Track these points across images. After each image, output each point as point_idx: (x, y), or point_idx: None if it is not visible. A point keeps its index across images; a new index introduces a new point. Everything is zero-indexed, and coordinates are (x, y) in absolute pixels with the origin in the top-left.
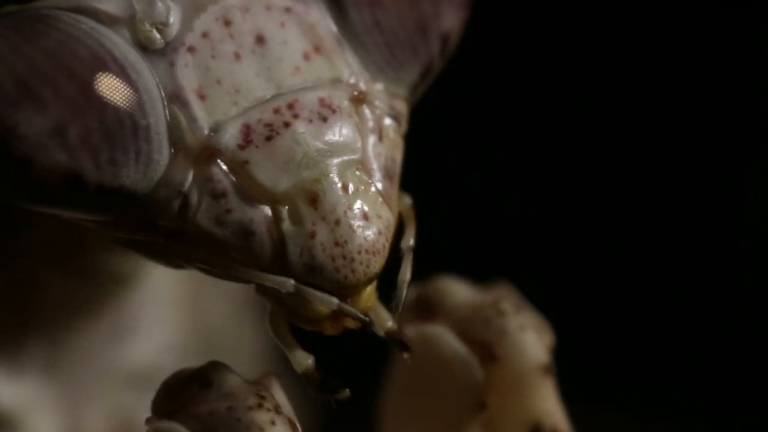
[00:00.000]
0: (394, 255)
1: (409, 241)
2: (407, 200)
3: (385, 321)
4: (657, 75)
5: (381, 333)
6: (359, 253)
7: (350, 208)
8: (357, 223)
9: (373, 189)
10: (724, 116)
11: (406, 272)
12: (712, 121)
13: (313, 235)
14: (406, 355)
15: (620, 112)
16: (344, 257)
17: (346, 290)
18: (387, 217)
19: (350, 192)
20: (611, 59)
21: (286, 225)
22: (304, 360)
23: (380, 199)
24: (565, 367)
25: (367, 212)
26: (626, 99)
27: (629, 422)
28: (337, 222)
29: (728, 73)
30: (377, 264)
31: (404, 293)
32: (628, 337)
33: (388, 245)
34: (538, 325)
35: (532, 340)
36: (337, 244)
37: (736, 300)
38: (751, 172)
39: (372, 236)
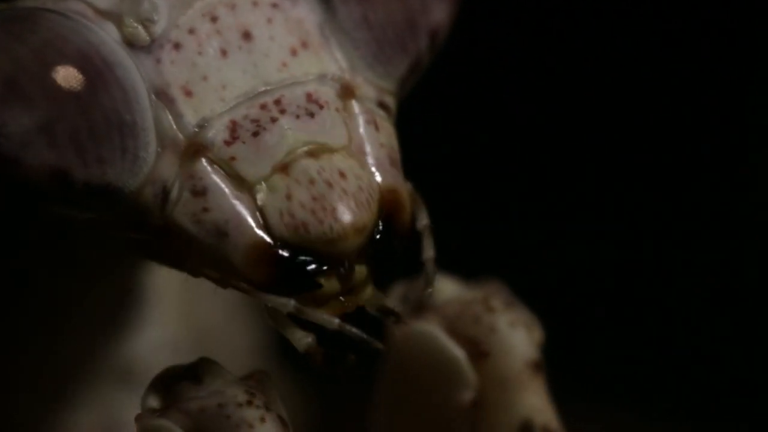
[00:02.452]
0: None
1: (423, 220)
2: (408, 186)
3: (378, 300)
4: (654, 74)
5: (372, 310)
6: (340, 201)
7: (323, 169)
8: (332, 178)
9: (346, 156)
10: (720, 116)
11: (429, 250)
12: (708, 120)
13: (289, 197)
14: (400, 327)
15: (613, 110)
16: (324, 209)
17: (336, 244)
18: (368, 179)
19: (321, 158)
20: (606, 56)
21: (262, 197)
22: (304, 339)
23: (357, 165)
24: (556, 364)
25: (344, 172)
26: (620, 96)
27: (620, 419)
28: (311, 181)
29: (725, 73)
30: (363, 215)
31: (432, 270)
32: (618, 334)
33: (374, 204)
34: (528, 322)
35: (521, 337)
36: (314, 199)
37: (735, 297)
38: (747, 168)
39: (351, 188)
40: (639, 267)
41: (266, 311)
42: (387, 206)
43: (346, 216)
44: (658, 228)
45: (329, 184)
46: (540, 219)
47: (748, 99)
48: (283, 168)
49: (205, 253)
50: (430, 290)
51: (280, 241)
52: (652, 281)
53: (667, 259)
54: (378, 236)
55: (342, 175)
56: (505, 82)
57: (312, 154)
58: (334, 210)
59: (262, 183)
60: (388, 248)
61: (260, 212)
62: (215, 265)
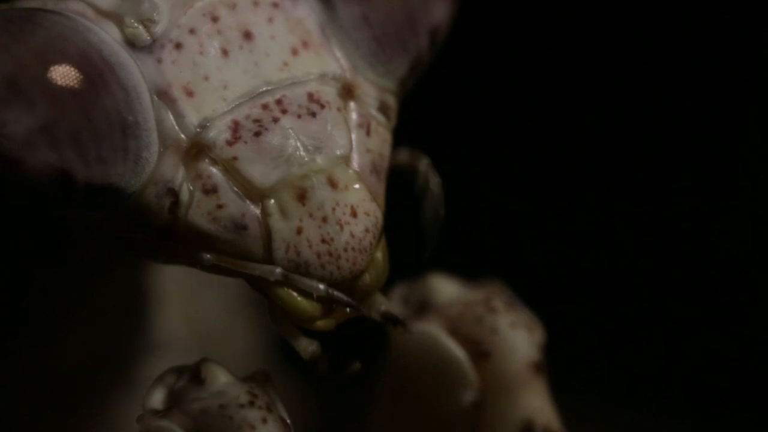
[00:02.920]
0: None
1: (430, 179)
2: (403, 151)
3: (380, 304)
4: (654, 74)
5: (377, 316)
6: (345, 250)
7: (338, 204)
8: (344, 220)
9: (359, 185)
10: (720, 116)
11: (436, 209)
12: (709, 120)
13: (299, 231)
14: (402, 332)
15: (612, 110)
16: (330, 254)
17: (331, 284)
18: (375, 214)
19: (338, 189)
20: (604, 56)
21: (274, 220)
22: (308, 346)
23: (368, 196)
24: (557, 365)
25: (355, 209)
26: (619, 95)
27: (621, 420)
28: (324, 219)
29: (725, 73)
30: (363, 261)
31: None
32: (619, 334)
33: (375, 243)
34: (529, 323)
35: (523, 337)
36: (323, 240)
37: (735, 297)
38: (747, 168)
39: (359, 234)
40: (639, 267)
41: (271, 317)
42: None
43: (347, 264)
44: (658, 227)
45: (340, 226)
46: (540, 219)
47: (748, 99)
48: (300, 195)
49: (223, 249)
50: (428, 253)
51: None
52: (653, 281)
53: (667, 258)
54: None
55: (354, 213)
56: (505, 80)
57: (331, 181)
58: (338, 258)
59: (273, 201)
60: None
61: (267, 232)
62: (233, 259)
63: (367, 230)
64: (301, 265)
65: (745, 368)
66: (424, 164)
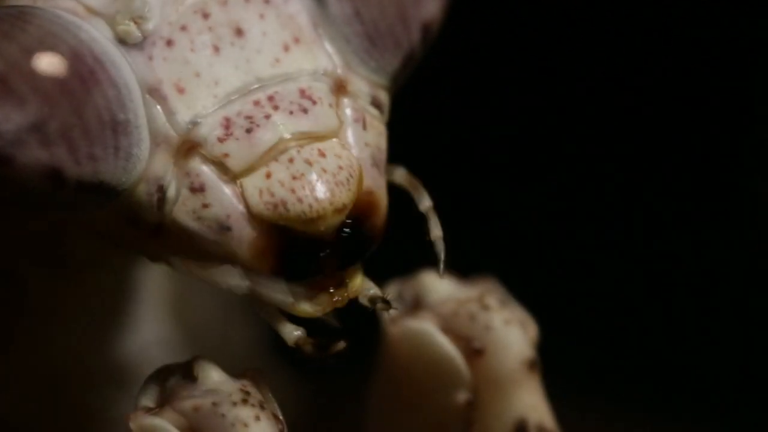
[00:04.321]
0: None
1: (426, 202)
2: (401, 171)
3: (368, 289)
4: (654, 73)
5: (364, 301)
6: (318, 181)
7: (302, 148)
8: (312, 158)
9: (328, 140)
10: (717, 116)
11: (435, 229)
12: (704, 120)
13: (269, 175)
14: (391, 312)
15: (613, 109)
16: (304, 187)
17: (315, 223)
18: (348, 158)
19: (300, 140)
20: (605, 51)
21: (244, 177)
22: (294, 332)
23: (339, 145)
24: (551, 363)
25: (323, 151)
26: (613, 92)
27: (615, 417)
28: (291, 160)
29: (726, 73)
30: (342, 194)
31: (441, 249)
32: (614, 332)
33: (354, 183)
34: (523, 320)
35: (517, 335)
36: (294, 177)
37: (734, 295)
38: (747, 167)
39: (332, 168)
40: (635, 263)
41: (257, 306)
42: (361, 207)
43: (325, 194)
44: (655, 224)
45: (309, 163)
46: (537, 216)
47: (749, 99)
48: (267, 153)
49: (207, 249)
50: (441, 268)
51: (259, 219)
52: (652, 279)
53: (663, 256)
54: (347, 235)
55: (321, 153)
56: (504, 79)
57: (296, 140)
58: (313, 188)
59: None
60: (358, 249)
61: (242, 194)
62: (218, 260)
63: (340, 167)
64: (278, 205)
65: (745, 368)
66: (423, 193)
